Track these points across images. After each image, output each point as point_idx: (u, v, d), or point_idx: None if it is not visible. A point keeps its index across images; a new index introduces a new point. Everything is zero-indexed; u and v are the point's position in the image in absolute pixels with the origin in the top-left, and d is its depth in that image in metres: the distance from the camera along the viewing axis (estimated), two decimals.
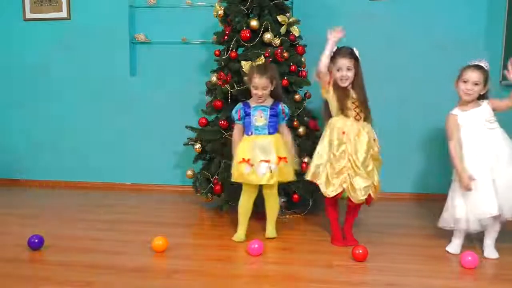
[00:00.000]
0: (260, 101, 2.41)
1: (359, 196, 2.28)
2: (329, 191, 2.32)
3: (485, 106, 2.26)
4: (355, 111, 2.34)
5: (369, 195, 2.31)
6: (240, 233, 2.46)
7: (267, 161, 2.34)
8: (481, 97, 2.28)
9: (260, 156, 2.35)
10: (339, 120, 2.35)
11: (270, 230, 2.52)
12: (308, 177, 2.41)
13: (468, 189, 2.17)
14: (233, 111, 2.49)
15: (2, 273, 2.03)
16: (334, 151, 2.31)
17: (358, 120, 2.34)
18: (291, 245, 2.42)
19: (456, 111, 2.29)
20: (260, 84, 2.37)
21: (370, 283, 1.97)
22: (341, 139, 2.30)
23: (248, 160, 2.35)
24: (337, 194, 2.32)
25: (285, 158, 2.39)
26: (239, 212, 2.47)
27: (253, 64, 2.70)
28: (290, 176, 2.44)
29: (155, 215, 2.98)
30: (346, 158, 2.29)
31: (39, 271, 2.05)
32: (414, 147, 3.44)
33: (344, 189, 2.31)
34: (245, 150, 2.38)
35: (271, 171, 2.34)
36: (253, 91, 2.41)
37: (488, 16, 3.28)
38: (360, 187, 2.28)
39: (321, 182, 2.35)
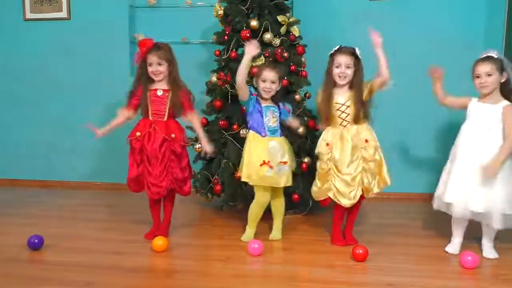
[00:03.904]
0: (267, 96, 2.38)
1: (348, 200, 2.30)
2: (313, 193, 2.42)
3: (499, 108, 2.20)
4: (340, 117, 2.33)
5: (362, 196, 2.34)
6: (250, 234, 2.46)
7: (285, 163, 2.35)
8: (510, 92, 2.22)
9: (278, 158, 2.34)
10: (326, 132, 2.38)
11: (276, 232, 2.51)
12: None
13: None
14: (250, 88, 2.41)
15: (2, 273, 2.03)
16: (321, 161, 2.37)
17: (345, 126, 2.33)
18: (291, 245, 2.41)
19: (475, 98, 2.29)
20: (269, 77, 2.35)
21: (370, 283, 1.97)
22: (326, 150, 2.34)
23: (269, 162, 2.31)
24: (325, 200, 2.38)
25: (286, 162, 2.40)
26: (249, 215, 2.46)
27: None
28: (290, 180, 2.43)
29: None
30: (328, 165, 2.33)
31: (39, 271, 2.05)
32: (415, 147, 3.43)
33: (330, 197, 2.35)
34: (263, 152, 2.33)
35: (287, 173, 2.36)
36: (261, 85, 2.36)
37: (488, 16, 3.28)
38: (344, 192, 2.30)
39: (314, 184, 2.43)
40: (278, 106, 2.45)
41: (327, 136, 2.37)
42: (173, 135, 2.38)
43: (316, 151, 2.41)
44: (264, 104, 2.40)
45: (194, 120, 2.48)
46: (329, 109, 2.32)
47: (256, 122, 2.39)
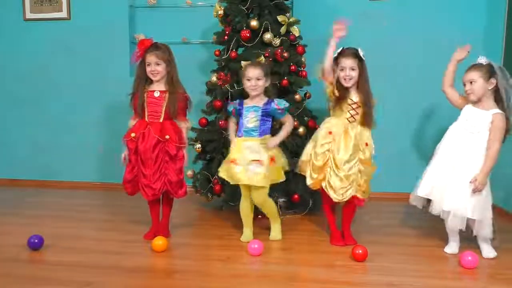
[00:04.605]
0: (254, 93, 2.39)
1: (336, 196, 2.30)
2: (309, 183, 2.39)
3: (489, 115, 2.20)
4: (349, 113, 2.34)
5: (356, 197, 2.33)
6: (247, 233, 2.46)
7: (258, 161, 2.33)
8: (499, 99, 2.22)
9: (250, 156, 2.34)
10: (331, 120, 2.39)
11: (273, 233, 2.51)
12: (296, 169, 2.48)
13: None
14: (228, 107, 2.52)
15: (2, 273, 2.02)
16: (317, 149, 2.35)
17: (351, 122, 2.34)
18: (291, 245, 2.41)
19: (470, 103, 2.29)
20: (253, 75, 2.36)
21: (370, 283, 1.97)
22: (326, 138, 2.33)
23: (235, 160, 2.35)
24: (322, 192, 2.38)
25: (273, 158, 2.36)
26: (241, 214, 2.48)
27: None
28: (280, 176, 2.41)
29: None
30: (327, 156, 2.32)
31: (39, 271, 2.05)
32: (414, 147, 3.43)
33: (322, 187, 2.34)
34: (234, 151, 2.39)
35: (262, 173, 2.32)
36: (247, 84, 2.39)
37: (488, 17, 3.28)
38: (336, 187, 2.29)
39: (306, 175, 2.40)
40: (269, 104, 2.40)
41: (331, 124, 2.37)
42: (167, 137, 2.37)
43: (314, 135, 2.41)
44: (248, 104, 2.42)
45: (182, 128, 2.48)
46: (342, 104, 2.33)
47: (239, 123, 2.44)
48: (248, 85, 2.39)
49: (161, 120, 2.40)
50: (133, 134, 2.38)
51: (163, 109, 2.39)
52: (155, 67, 2.37)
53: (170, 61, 2.41)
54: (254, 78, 2.36)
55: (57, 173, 3.88)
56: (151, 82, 2.42)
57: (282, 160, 2.43)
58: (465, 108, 2.29)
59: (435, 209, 2.26)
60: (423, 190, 2.30)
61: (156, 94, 2.39)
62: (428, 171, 2.33)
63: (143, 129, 2.38)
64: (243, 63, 2.81)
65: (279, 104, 2.40)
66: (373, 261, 2.16)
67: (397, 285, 1.92)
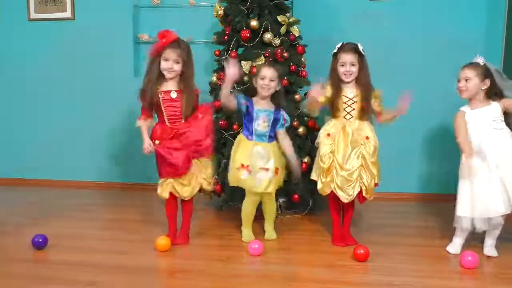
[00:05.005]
0: (266, 93, 2.37)
1: (345, 195, 2.31)
2: (320, 190, 2.38)
3: (495, 106, 2.23)
4: (345, 111, 2.35)
5: (361, 194, 2.33)
6: (249, 233, 2.47)
7: (266, 169, 2.34)
8: (496, 95, 2.24)
9: (259, 163, 2.34)
10: (330, 122, 2.41)
11: (270, 231, 2.53)
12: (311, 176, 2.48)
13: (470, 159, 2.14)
14: (242, 97, 2.41)
15: (5, 272, 2.05)
16: (320, 152, 2.37)
17: (348, 119, 2.35)
18: (291, 245, 2.42)
19: (465, 107, 2.29)
20: (268, 75, 2.35)
21: (371, 283, 1.98)
22: (326, 141, 2.35)
23: (248, 166, 2.33)
24: (329, 193, 2.36)
25: (278, 169, 2.39)
26: (242, 215, 2.48)
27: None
28: (279, 185, 2.45)
29: (158, 214, 2.99)
30: (331, 158, 2.32)
31: (43, 270, 2.08)
32: (415, 147, 3.42)
33: (332, 190, 2.34)
34: (245, 155, 2.36)
35: (269, 180, 2.34)
36: (260, 82, 2.36)
37: (488, 17, 3.27)
38: (343, 187, 2.30)
39: (317, 179, 2.40)
40: (278, 111, 2.43)
41: (329, 127, 2.39)
42: (200, 115, 2.33)
43: (316, 141, 2.43)
44: (259, 107, 2.40)
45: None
46: (337, 103, 2.34)
47: (246, 125, 2.41)
48: (260, 83, 2.36)
49: (183, 121, 2.34)
50: (157, 142, 2.31)
51: (182, 109, 2.32)
52: (173, 65, 2.29)
53: (187, 62, 2.33)
54: (267, 78, 2.35)
55: (59, 173, 3.89)
56: (163, 79, 2.33)
57: (284, 172, 2.46)
58: (469, 116, 2.25)
59: (479, 226, 2.19)
60: (500, 206, 2.16)
61: (174, 95, 2.31)
62: (475, 190, 2.19)
63: (167, 136, 2.30)
64: (243, 63, 2.82)
65: (286, 117, 2.45)
66: (373, 261, 2.16)
67: (398, 285, 1.93)
